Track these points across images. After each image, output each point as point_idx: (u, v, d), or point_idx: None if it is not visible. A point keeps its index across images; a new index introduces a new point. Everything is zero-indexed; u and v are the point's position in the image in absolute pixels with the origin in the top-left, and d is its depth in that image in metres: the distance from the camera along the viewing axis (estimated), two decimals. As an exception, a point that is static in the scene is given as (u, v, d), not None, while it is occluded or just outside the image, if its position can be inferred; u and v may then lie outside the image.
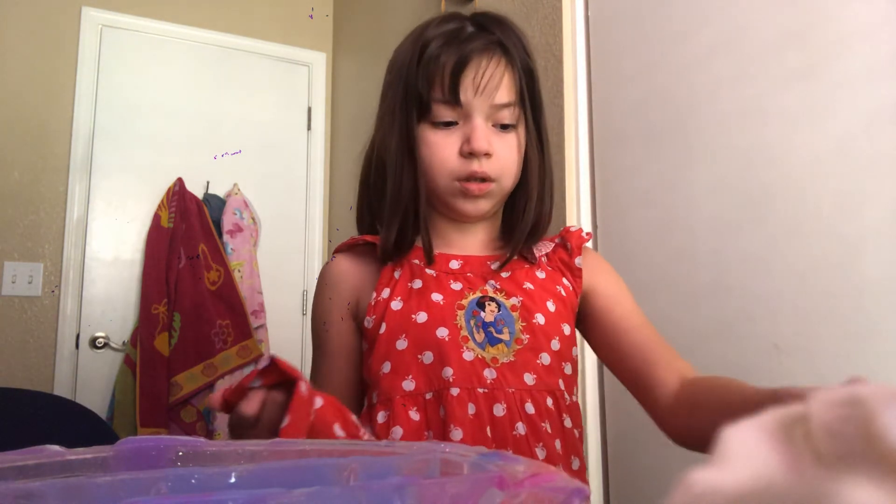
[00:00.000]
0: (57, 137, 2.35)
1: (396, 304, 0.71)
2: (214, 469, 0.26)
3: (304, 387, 0.51)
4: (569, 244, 0.79)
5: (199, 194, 2.50)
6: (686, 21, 1.32)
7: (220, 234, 2.46)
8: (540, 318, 0.71)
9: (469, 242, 0.77)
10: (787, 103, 1.10)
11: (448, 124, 0.70)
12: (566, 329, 0.73)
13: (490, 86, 0.69)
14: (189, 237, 2.38)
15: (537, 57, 0.75)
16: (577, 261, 0.78)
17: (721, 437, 0.19)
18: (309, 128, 2.83)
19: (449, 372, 0.66)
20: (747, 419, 0.19)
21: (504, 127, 0.71)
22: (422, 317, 0.69)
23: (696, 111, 1.29)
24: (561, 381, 0.71)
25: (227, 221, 2.48)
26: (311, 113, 2.84)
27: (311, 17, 2.91)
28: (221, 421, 2.23)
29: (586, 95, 1.63)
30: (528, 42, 0.74)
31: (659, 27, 1.40)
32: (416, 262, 0.74)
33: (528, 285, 0.74)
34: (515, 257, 0.76)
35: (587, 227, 1.61)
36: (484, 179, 0.70)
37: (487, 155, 0.69)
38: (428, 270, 0.73)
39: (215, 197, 2.53)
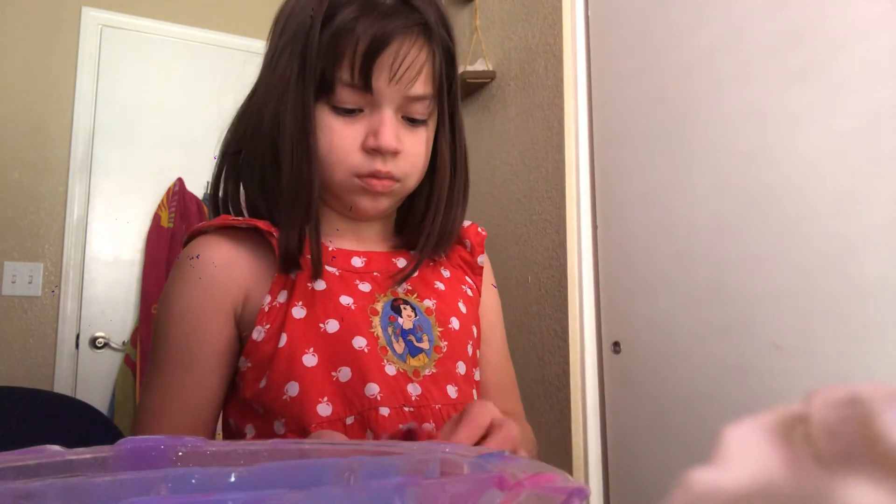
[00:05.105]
0: (57, 137, 2.35)
1: (299, 311, 0.59)
2: (214, 469, 0.26)
3: None
4: (467, 241, 0.72)
5: (199, 194, 2.50)
6: (686, 21, 1.32)
7: (220, 234, 2.46)
8: (455, 323, 0.65)
9: (365, 235, 0.67)
10: (787, 103, 1.10)
11: (352, 111, 0.60)
12: (475, 332, 0.68)
13: (408, 75, 0.58)
14: (189, 237, 2.39)
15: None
16: (480, 259, 0.72)
17: (721, 436, 0.19)
18: (309, 128, 2.83)
19: (374, 389, 0.57)
20: (747, 419, 0.19)
21: (414, 121, 0.62)
22: (332, 325, 0.58)
23: (696, 111, 1.29)
24: (475, 391, 0.65)
25: (227, 221, 2.49)
26: (311, 113, 2.84)
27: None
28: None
29: (586, 95, 1.63)
30: (449, 20, 0.64)
31: (659, 27, 1.40)
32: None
33: (439, 285, 0.67)
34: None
35: (587, 226, 1.61)
36: (387, 177, 0.61)
37: (395, 153, 0.60)
38: (329, 268, 0.62)
39: (215, 197, 2.54)
